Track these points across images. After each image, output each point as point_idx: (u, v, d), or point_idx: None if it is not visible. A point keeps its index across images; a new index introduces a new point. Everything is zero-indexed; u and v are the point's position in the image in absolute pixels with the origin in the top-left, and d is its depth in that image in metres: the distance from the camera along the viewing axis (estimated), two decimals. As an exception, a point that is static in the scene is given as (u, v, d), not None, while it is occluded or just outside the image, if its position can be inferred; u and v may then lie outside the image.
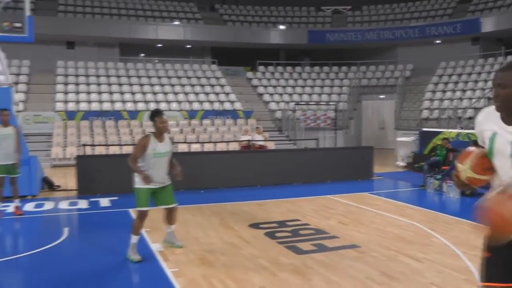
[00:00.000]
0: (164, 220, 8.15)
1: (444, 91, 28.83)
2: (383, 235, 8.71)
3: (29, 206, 12.12)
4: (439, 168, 14.57)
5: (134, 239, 7.51)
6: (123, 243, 7.82)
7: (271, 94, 30.99)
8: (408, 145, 20.21)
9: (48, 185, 15.02)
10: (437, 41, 32.41)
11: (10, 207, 11.31)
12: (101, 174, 13.87)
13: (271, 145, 22.44)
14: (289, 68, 34.13)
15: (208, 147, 22.54)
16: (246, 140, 20.45)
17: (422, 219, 10.02)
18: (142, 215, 7.53)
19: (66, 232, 9.41)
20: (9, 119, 10.91)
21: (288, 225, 9.56)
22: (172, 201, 7.90)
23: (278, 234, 8.84)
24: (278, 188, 14.66)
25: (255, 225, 9.56)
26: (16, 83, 25.55)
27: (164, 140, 7.60)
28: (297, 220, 10.03)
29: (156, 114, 7.58)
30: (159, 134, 7.55)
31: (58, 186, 15.15)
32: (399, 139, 21.82)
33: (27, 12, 12.29)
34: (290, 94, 31.09)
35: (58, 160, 21.80)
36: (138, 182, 7.49)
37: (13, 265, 7.62)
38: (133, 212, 9.81)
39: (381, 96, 30.94)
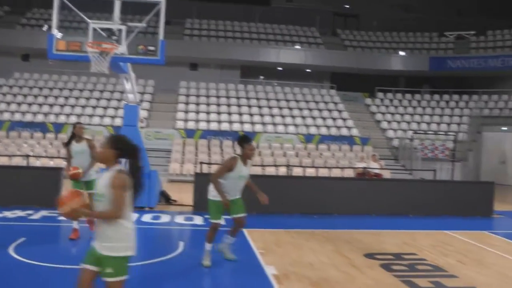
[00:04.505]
0: (229, 230, 8.57)
1: None
2: (507, 280, 8.34)
3: (146, 217, 12.72)
4: None
5: (208, 246, 8.16)
6: (237, 262, 8.02)
7: (389, 122, 30.64)
8: (532, 183, 19.28)
9: (165, 199, 15.68)
10: None
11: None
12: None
13: (386, 174, 22.18)
14: (408, 96, 33.63)
15: (323, 172, 22.60)
16: (362, 167, 20.35)
17: (549, 266, 9.51)
18: (216, 227, 8.13)
19: (181, 246, 9.79)
20: (83, 132, 10.48)
21: (405, 259, 9.42)
22: (242, 211, 8.24)
23: (394, 267, 8.73)
24: (393, 218, 14.46)
25: (370, 255, 9.49)
26: (141, 101, 26.86)
27: (247, 164, 8.09)
28: (414, 254, 9.86)
29: (246, 141, 8.02)
30: (245, 159, 8.02)
31: (175, 201, 15.78)
32: (522, 175, 20.88)
33: (161, 37, 12.96)
34: (408, 122, 30.59)
35: (175, 176, 22.70)
36: (213, 195, 7.98)
37: (129, 273, 8.00)
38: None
39: (503, 128, 29.65)
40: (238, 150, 8.20)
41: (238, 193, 8.22)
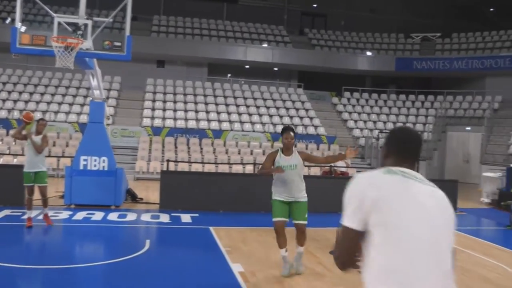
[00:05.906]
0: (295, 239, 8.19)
1: (535, 126, 27.84)
2: (467, 274, 8.49)
3: (113, 216, 12.60)
4: (528, 208, 14.08)
5: (281, 252, 7.88)
6: (203, 260, 7.98)
7: (356, 121, 30.85)
8: (494, 181, 19.57)
9: (132, 197, 15.55)
10: (529, 72, 31.15)
11: (91, 215, 11.74)
12: (184, 190, 14.15)
13: (353, 172, 22.31)
14: (374, 95, 33.87)
15: (290, 170, 22.59)
16: (328, 166, 20.44)
17: (509, 262, 9.68)
18: (278, 228, 7.79)
19: (147, 244, 9.71)
20: (44, 129, 10.91)
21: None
22: (300, 217, 7.99)
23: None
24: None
25: (336, 253, 9.51)
26: (107, 98, 26.57)
27: (292, 155, 7.88)
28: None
29: (283, 131, 7.99)
30: (285, 149, 7.90)
31: (141, 199, 15.68)
32: (484, 174, 21.18)
33: (127, 33, 12.83)
34: (375, 122, 30.83)
35: (142, 174, 22.53)
36: (273, 194, 7.86)
37: (95, 272, 7.94)
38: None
39: (467, 128, 30.11)
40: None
41: (295, 192, 7.94)
